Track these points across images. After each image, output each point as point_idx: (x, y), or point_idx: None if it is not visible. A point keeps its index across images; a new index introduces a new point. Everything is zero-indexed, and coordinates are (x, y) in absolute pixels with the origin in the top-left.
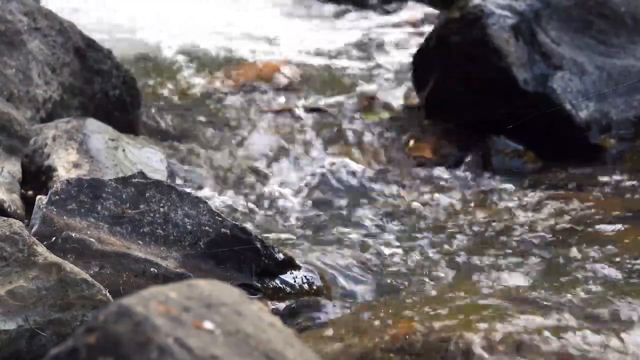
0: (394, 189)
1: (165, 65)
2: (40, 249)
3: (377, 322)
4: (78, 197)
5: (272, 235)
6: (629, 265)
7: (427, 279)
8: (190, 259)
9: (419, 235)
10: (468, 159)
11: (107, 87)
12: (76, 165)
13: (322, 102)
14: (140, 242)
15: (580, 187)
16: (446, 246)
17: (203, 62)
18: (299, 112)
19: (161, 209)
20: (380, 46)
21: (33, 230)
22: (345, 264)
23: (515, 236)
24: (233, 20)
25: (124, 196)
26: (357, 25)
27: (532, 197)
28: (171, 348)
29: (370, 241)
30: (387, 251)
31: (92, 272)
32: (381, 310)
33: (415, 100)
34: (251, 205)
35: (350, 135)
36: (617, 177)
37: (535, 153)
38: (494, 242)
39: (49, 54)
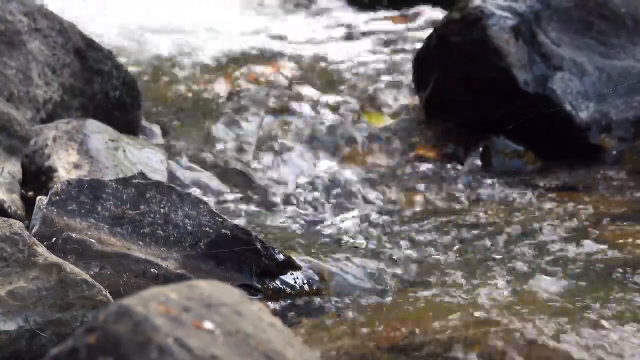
0: (394, 189)
1: (166, 66)
2: (41, 249)
3: (377, 323)
4: (78, 198)
5: (272, 236)
6: (629, 266)
7: (427, 280)
8: (190, 260)
9: (419, 236)
10: (468, 159)
11: (108, 87)
12: (77, 166)
13: (323, 102)
14: (140, 243)
15: (580, 187)
16: (446, 247)
17: (203, 63)
18: (299, 112)
19: (162, 210)
20: (381, 47)
21: (33, 231)
22: (346, 264)
23: (515, 237)
24: (233, 20)
25: (124, 197)
26: (358, 25)
27: (533, 197)
28: (171, 348)
29: (370, 242)
30: (387, 252)
31: (92, 272)
32: (382, 311)
33: (415, 100)
34: (252, 206)
35: (350, 135)
36: (617, 178)
37: (536, 153)
38: (494, 243)
39: (49, 54)
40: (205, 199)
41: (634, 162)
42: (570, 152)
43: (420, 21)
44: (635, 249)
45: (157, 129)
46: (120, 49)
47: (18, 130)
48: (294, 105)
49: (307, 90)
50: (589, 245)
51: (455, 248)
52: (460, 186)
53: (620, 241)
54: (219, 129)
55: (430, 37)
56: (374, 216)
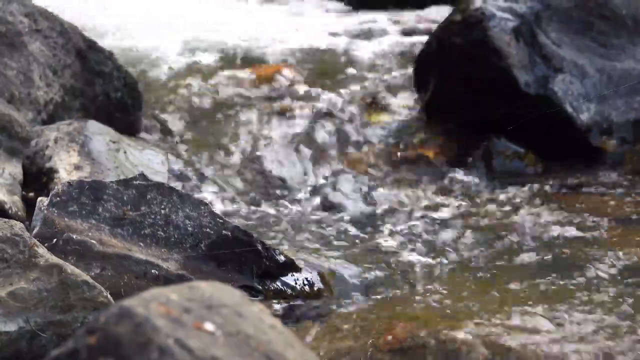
0: (394, 190)
1: (166, 66)
2: (41, 250)
3: (378, 324)
4: (79, 199)
5: (272, 237)
6: (629, 267)
7: (428, 281)
8: (191, 261)
9: (420, 237)
10: (469, 160)
11: (109, 88)
12: (77, 167)
13: (324, 103)
14: (141, 244)
15: (580, 188)
16: (447, 247)
17: (204, 64)
18: (300, 113)
19: (162, 211)
20: (382, 47)
21: (34, 232)
22: (347, 266)
23: (515, 237)
24: (234, 21)
25: (125, 198)
26: (359, 26)
27: (533, 198)
28: (171, 349)
29: (371, 243)
30: (388, 253)
31: (93, 273)
32: (382, 312)
33: (416, 101)
34: (252, 206)
35: (351, 136)
36: (617, 179)
37: (536, 154)
38: (495, 243)
39: (50, 55)
40: (205, 199)
41: (634, 163)
42: (571, 153)
43: (422, 22)
44: (636, 250)
45: (157, 130)
46: (120, 49)
47: (19, 131)
48: (295, 106)
49: (308, 91)
50: (589, 246)
51: (456, 249)
52: (461, 187)
53: (621, 242)
54: (219, 130)
55: (431, 38)
56: (374, 217)
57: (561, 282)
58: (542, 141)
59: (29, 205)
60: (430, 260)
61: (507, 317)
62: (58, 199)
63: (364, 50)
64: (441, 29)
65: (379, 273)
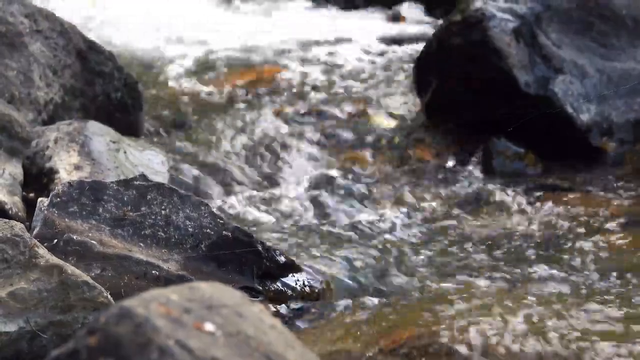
0: (395, 191)
1: (167, 67)
2: (42, 251)
3: (378, 326)
4: (79, 199)
5: (273, 238)
6: (630, 267)
7: (428, 282)
8: (191, 262)
9: (420, 238)
10: (469, 160)
11: (109, 89)
12: (77, 168)
13: (323, 104)
14: (141, 244)
15: (581, 189)
16: (447, 249)
17: (204, 65)
18: (300, 113)
19: (162, 212)
20: (382, 48)
21: (34, 232)
22: (347, 267)
23: (515, 238)
24: (234, 22)
25: (125, 198)
26: (359, 26)
27: (533, 198)
28: (172, 349)
29: (371, 244)
30: (388, 254)
31: (93, 274)
32: (383, 314)
33: (416, 101)
34: (252, 207)
35: (351, 137)
36: (617, 179)
37: (536, 154)
38: (495, 244)
39: (50, 56)
40: (206, 200)
41: (634, 163)
42: (571, 154)
43: (419, 22)
44: (636, 250)
45: (158, 130)
46: (120, 49)
47: (19, 131)
48: (295, 107)
49: (308, 92)
50: (589, 247)
51: (456, 249)
52: (461, 187)
53: (621, 242)
54: (220, 130)
55: (431, 39)
56: (375, 218)
57: (562, 283)
58: (542, 141)
59: (29, 205)
60: (430, 262)
61: (510, 319)
62: (58, 199)
63: (364, 51)
64: (441, 29)
65: (379, 275)
